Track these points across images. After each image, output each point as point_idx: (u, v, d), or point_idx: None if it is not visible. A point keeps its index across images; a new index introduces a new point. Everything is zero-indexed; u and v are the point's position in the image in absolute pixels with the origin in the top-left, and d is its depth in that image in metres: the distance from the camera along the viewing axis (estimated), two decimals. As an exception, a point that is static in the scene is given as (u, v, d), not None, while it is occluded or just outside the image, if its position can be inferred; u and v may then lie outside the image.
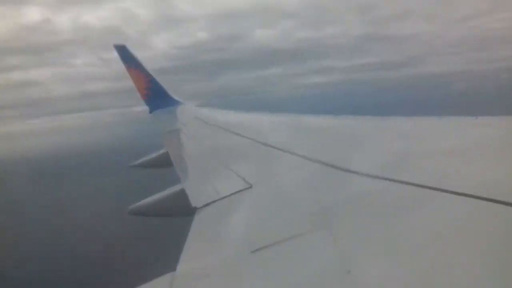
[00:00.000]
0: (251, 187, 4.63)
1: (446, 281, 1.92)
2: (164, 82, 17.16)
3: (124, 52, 16.88)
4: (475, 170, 3.34)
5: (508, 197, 2.44)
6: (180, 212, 5.57)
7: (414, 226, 2.62)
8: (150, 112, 16.41)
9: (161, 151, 10.35)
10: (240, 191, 4.61)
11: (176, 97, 17.02)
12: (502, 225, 2.27)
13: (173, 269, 3.20)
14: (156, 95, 16.71)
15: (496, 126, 4.67)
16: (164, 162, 9.23)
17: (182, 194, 5.49)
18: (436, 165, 3.68)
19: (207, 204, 4.59)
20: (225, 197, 4.63)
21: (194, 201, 4.84)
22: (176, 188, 6.20)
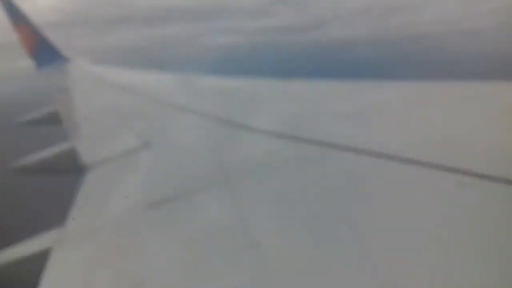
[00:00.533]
0: (147, 145, 4.60)
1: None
2: (52, 37, 16.13)
3: (9, 5, 15.67)
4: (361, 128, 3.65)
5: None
6: (69, 169, 5.44)
7: (307, 183, 2.81)
8: (38, 68, 15.44)
9: (50, 109, 9.89)
10: (136, 149, 4.58)
11: (66, 54, 16.13)
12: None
13: (62, 225, 3.20)
14: (44, 51, 15.71)
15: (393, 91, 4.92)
16: (53, 120, 8.87)
17: (72, 151, 5.37)
18: (331, 124, 3.95)
19: (100, 161, 4.54)
20: (119, 154, 4.60)
21: (86, 158, 4.76)
22: (66, 145, 6.01)
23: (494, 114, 3.46)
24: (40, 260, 2.73)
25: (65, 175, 5.95)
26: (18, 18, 15.57)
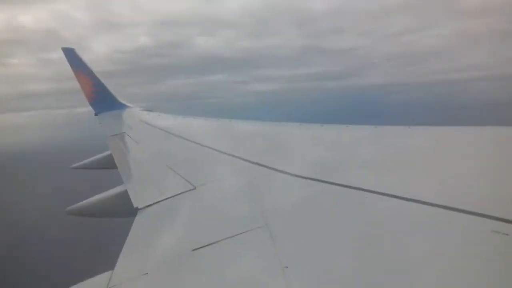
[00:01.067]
0: (194, 188, 4.71)
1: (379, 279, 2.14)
2: (109, 85, 16.92)
3: (72, 55, 16.63)
4: (396, 173, 3.75)
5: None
6: (121, 212, 5.56)
7: (347, 225, 2.87)
8: (96, 114, 16.12)
9: (105, 153, 10.23)
10: (183, 192, 4.69)
11: (122, 101, 16.82)
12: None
13: (112, 268, 3.25)
14: (102, 98, 16.44)
15: (434, 135, 5.14)
16: (108, 164, 9.15)
17: (124, 195, 5.50)
18: (369, 169, 4.03)
19: (149, 205, 4.64)
20: (167, 198, 4.70)
21: (136, 202, 4.87)
22: (118, 189, 6.17)
23: None
24: None
25: (117, 217, 6.08)
26: (80, 67, 16.46)
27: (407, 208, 2.83)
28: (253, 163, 5.06)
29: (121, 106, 16.38)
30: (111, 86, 16.95)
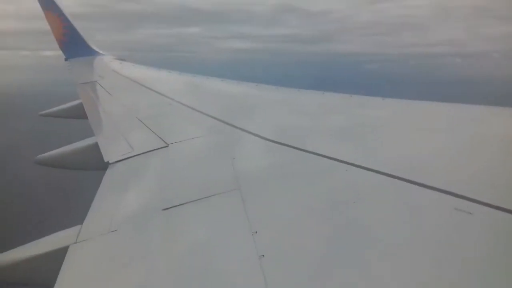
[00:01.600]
0: (167, 146, 4.68)
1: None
2: (80, 29, 16.24)
3: None
4: (364, 144, 3.86)
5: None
6: (91, 166, 5.48)
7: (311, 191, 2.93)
8: (66, 59, 15.56)
9: (75, 102, 9.96)
10: (155, 149, 4.66)
11: (94, 47, 16.26)
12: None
13: (81, 222, 3.22)
14: (73, 42, 15.80)
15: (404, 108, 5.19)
16: (78, 114, 8.93)
17: (94, 147, 5.41)
18: (337, 138, 4.16)
19: (120, 160, 4.59)
20: (139, 154, 4.66)
21: (107, 156, 4.81)
22: (88, 141, 6.06)
23: (488, 137, 3.64)
24: (58, 257, 2.77)
25: (85, 170, 6.00)
26: (50, 6, 15.64)
27: (371, 179, 2.87)
28: (226, 123, 5.07)
29: (93, 53, 15.82)
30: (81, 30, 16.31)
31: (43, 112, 11.03)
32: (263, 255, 2.18)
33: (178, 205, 3.09)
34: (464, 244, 1.99)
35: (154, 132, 5.33)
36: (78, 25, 16.06)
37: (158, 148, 4.66)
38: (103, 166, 4.55)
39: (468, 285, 1.71)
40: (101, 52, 16.09)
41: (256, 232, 2.41)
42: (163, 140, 4.86)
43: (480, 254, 1.90)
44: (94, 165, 5.15)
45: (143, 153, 4.65)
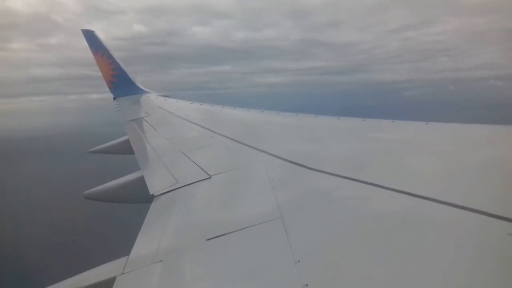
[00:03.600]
0: (210, 177, 4.71)
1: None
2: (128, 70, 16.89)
3: (91, 37, 16.56)
4: (411, 170, 3.76)
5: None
6: (137, 199, 5.57)
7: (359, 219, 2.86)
8: (114, 99, 16.16)
9: (122, 138, 10.26)
10: (198, 181, 4.70)
11: (140, 86, 16.82)
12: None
13: (128, 254, 3.26)
14: (121, 82, 16.43)
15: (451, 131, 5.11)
16: (125, 149, 9.17)
17: (140, 181, 5.51)
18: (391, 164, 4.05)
19: (165, 192, 4.65)
20: (183, 186, 4.70)
21: (152, 189, 4.88)
22: (135, 175, 6.19)
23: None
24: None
25: (131, 203, 6.10)
26: (100, 50, 16.40)
27: (416, 205, 2.81)
28: (266, 153, 5.12)
29: (140, 91, 16.39)
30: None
31: (92, 149, 11.39)
32: (307, 285, 2.14)
33: (221, 235, 3.09)
34: None
35: (197, 164, 5.39)
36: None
37: (201, 180, 4.70)
38: (149, 198, 4.61)
39: None
40: (147, 90, 16.62)
41: (299, 261, 2.37)
42: (206, 172, 4.91)
43: None
44: (140, 198, 5.24)
45: (186, 185, 4.69)
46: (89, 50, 16.11)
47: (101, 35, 16.80)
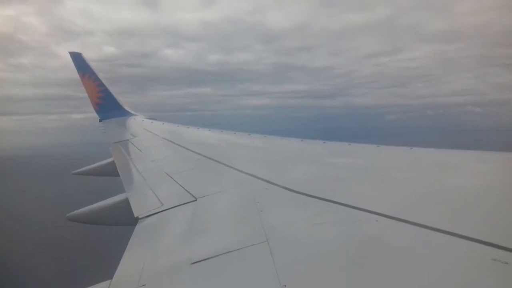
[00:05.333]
0: (195, 200, 4.70)
1: None
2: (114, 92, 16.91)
3: (79, 60, 16.66)
4: (396, 195, 3.81)
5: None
6: (121, 221, 5.53)
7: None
8: (100, 121, 16.15)
9: (107, 160, 10.22)
10: (184, 203, 4.69)
11: (127, 108, 16.85)
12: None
13: (110, 277, 3.22)
14: (107, 104, 16.47)
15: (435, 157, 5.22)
16: (110, 171, 9.12)
17: (125, 203, 5.47)
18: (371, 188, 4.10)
19: (150, 215, 4.62)
20: (168, 209, 4.69)
21: (137, 211, 4.86)
22: (119, 197, 6.15)
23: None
24: None
25: (116, 226, 6.04)
26: (86, 72, 16.46)
27: (402, 230, 2.83)
28: (252, 175, 5.14)
29: (126, 113, 16.41)
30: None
31: (76, 171, 11.30)
32: None
33: (206, 259, 3.06)
34: None
35: (182, 187, 5.38)
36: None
37: (187, 203, 4.69)
38: (133, 221, 4.58)
39: None
40: (133, 112, 16.64)
41: (285, 286, 2.36)
42: (192, 195, 4.90)
43: None
44: (124, 220, 5.21)
45: (172, 207, 4.68)
46: (64, 70, 16.27)
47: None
